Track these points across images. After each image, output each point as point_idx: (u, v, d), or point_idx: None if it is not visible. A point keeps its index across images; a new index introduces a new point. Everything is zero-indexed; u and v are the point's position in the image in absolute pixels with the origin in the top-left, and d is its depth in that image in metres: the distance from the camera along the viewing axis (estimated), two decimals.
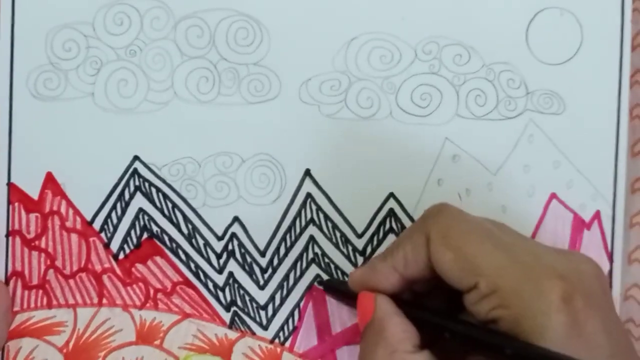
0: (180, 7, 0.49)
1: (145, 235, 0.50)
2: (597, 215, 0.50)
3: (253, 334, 0.50)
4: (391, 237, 0.50)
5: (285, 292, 0.50)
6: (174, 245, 0.50)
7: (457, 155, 0.50)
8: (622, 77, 0.50)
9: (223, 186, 0.50)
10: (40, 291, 0.50)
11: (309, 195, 0.50)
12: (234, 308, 0.50)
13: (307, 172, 0.50)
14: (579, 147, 0.50)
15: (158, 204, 0.50)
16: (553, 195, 0.50)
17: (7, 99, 0.49)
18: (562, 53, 0.50)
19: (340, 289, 0.48)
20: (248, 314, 0.50)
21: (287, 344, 0.50)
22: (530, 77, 0.50)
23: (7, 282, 0.49)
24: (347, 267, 0.50)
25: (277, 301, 0.50)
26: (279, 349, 0.50)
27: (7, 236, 0.49)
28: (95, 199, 0.50)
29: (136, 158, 0.50)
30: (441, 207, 0.43)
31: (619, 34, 0.50)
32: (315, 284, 0.50)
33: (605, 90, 0.50)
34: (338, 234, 0.50)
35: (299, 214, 0.50)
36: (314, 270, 0.50)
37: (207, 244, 0.50)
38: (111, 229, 0.50)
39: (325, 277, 0.50)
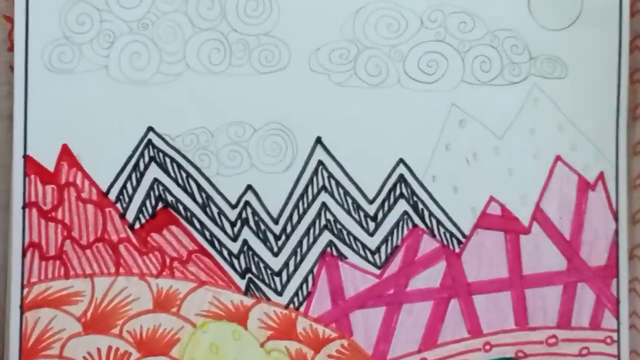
0: None
1: (160, 205, 0.51)
2: (601, 176, 0.52)
3: (268, 300, 0.51)
4: (402, 203, 0.51)
5: (298, 258, 0.51)
6: (189, 214, 0.51)
7: (464, 121, 0.51)
8: (622, 42, 0.52)
9: (236, 155, 0.51)
10: (58, 262, 0.50)
11: (320, 162, 0.51)
12: (248, 275, 0.51)
13: (318, 140, 0.51)
14: (581, 110, 0.52)
15: (172, 174, 0.51)
16: (558, 158, 0.52)
17: (22, 72, 0.50)
18: (564, 19, 0.52)
19: None
20: (263, 281, 0.51)
21: (302, 309, 0.51)
22: (533, 42, 0.51)
23: (24, 254, 0.50)
24: (359, 232, 0.51)
25: (291, 267, 0.51)
26: (293, 314, 0.51)
27: (23, 208, 0.50)
28: (110, 170, 0.51)
29: (150, 129, 0.51)
30: None
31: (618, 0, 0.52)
32: None
33: (606, 54, 0.52)
34: (349, 200, 0.51)
35: (310, 181, 0.51)
36: (326, 236, 0.51)
37: (221, 212, 0.51)
38: (127, 199, 0.51)
39: (338, 243, 0.51)
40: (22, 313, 0.50)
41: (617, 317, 0.52)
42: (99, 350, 0.50)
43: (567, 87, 0.52)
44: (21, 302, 0.50)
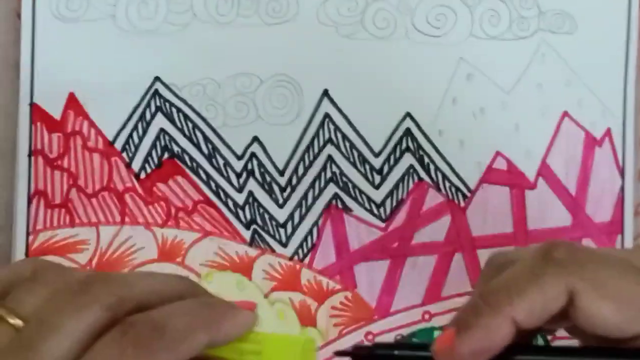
0: None
1: (166, 155, 0.51)
2: (607, 133, 0.52)
3: (273, 251, 0.51)
4: (407, 156, 0.51)
5: (304, 210, 0.51)
6: (195, 164, 0.51)
7: (471, 75, 0.51)
8: None
9: (242, 106, 0.51)
10: (63, 210, 0.50)
11: (327, 115, 0.51)
12: (253, 226, 0.51)
13: (325, 93, 0.51)
14: (589, 66, 0.52)
15: (179, 124, 0.51)
16: (565, 114, 0.52)
17: (30, 20, 0.50)
18: None
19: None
20: (268, 232, 0.51)
21: (306, 260, 0.51)
22: None
23: (30, 201, 0.50)
24: (365, 185, 0.51)
25: (296, 219, 0.51)
26: (298, 266, 0.51)
27: (29, 156, 0.50)
28: (116, 120, 0.51)
29: (157, 79, 0.51)
30: (576, 249, 0.36)
31: None
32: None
33: (615, 10, 0.51)
34: (355, 153, 0.51)
35: (317, 134, 0.51)
36: (332, 189, 0.51)
37: (227, 163, 0.51)
38: (133, 149, 0.51)
39: (343, 196, 0.51)
40: None
41: None
42: None
43: (576, 43, 0.51)
44: (26, 249, 0.50)
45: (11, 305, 0.31)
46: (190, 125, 0.51)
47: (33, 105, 0.50)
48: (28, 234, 0.50)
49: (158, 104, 0.51)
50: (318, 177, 0.51)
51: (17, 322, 0.30)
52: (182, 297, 0.32)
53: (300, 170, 0.51)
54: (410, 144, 0.51)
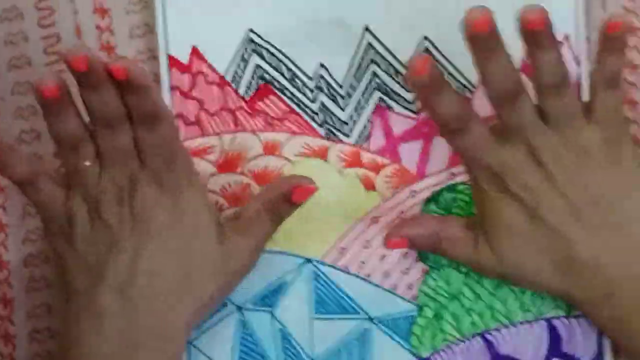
0: None
1: (261, 82, 0.73)
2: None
3: (341, 141, 0.73)
4: None
5: (360, 110, 0.73)
6: (282, 86, 0.72)
7: None
8: None
9: (311, 43, 0.73)
10: (196, 126, 0.73)
11: (369, 44, 0.73)
12: (326, 125, 0.73)
13: (366, 28, 0.73)
14: None
15: (268, 60, 0.73)
16: None
17: None
18: None
19: None
20: (336, 128, 0.73)
21: (364, 145, 0.73)
22: None
23: None
24: (401, 90, 0.73)
25: (355, 118, 0.73)
26: (359, 149, 0.73)
27: (169, 90, 0.73)
28: (225, 61, 0.72)
29: (251, 30, 0.72)
30: None
31: None
32: None
33: None
34: (392, 69, 0.73)
35: (363, 57, 0.73)
36: (377, 95, 0.73)
37: (303, 84, 0.71)
38: (238, 79, 0.73)
39: (386, 99, 0.73)
40: None
41: None
42: (229, 184, 0.73)
43: None
44: None
45: None
46: (275, 60, 0.73)
47: (169, 56, 0.73)
48: None
49: (253, 47, 0.73)
50: (367, 87, 0.73)
51: None
52: None
53: (355, 84, 0.73)
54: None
